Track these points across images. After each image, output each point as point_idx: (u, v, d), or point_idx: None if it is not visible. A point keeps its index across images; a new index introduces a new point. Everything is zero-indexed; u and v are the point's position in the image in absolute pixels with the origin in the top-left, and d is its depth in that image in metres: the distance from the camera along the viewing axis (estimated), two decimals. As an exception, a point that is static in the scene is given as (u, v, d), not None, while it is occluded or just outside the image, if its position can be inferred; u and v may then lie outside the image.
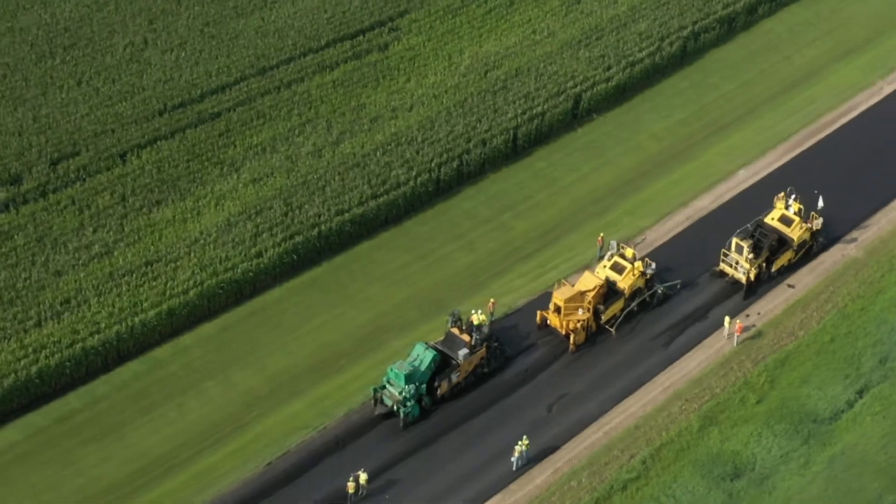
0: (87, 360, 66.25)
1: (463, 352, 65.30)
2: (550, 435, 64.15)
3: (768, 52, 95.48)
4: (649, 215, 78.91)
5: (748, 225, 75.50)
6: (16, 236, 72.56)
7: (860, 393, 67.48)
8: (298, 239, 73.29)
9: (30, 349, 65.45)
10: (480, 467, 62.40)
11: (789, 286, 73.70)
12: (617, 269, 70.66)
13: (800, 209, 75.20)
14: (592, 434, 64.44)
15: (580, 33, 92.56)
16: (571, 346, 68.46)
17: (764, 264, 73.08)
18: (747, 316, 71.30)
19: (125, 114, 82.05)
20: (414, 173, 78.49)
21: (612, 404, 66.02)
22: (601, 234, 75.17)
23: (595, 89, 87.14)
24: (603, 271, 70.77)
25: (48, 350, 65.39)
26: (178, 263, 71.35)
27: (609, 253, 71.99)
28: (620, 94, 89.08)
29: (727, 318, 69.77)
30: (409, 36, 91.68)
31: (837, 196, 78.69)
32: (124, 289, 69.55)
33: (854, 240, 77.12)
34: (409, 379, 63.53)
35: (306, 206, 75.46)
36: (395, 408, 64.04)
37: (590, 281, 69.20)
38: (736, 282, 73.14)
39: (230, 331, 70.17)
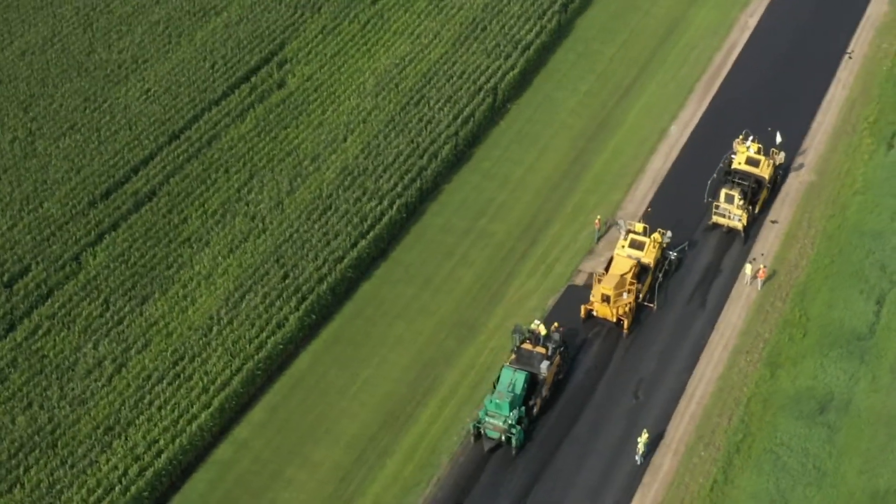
0: (160, 483, 60.55)
1: (544, 364, 64.50)
2: (650, 419, 64.65)
3: (628, 11, 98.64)
4: (615, 189, 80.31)
5: (714, 174, 78.63)
6: (12, 375, 64.92)
7: (878, 303, 71.89)
8: (312, 298, 69.57)
9: (100, 492, 59.01)
10: (607, 471, 62.14)
11: (773, 222, 77.28)
12: (636, 245, 71.66)
13: (759, 148, 78.84)
14: (686, 408, 65.48)
15: (463, 28, 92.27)
16: (626, 331, 69.10)
17: (750, 207, 76.27)
18: (754, 259, 74.25)
19: (54, 215, 74.69)
20: (387, 203, 76.13)
21: (687, 375, 67.25)
22: (598, 217, 75.93)
23: (506, 80, 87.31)
24: (623, 251, 71.57)
25: (121, 486, 59.16)
26: (205, 356, 66.18)
27: (623, 232, 72.90)
28: (523, 79, 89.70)
29: (748, 266, 72.48)
30: (299, 67, 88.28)
31: (766, 129, 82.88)
32: (163, 398, 63.81)
33: (802, 165, 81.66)
34: (511, 405, 62.20)
35: (302, 263, 71.72)
36: (501, 438, 62.57)
37: (624, 263, 69.87)
38: (730, 230, 75.95)
39: (281, 410, 65.94)
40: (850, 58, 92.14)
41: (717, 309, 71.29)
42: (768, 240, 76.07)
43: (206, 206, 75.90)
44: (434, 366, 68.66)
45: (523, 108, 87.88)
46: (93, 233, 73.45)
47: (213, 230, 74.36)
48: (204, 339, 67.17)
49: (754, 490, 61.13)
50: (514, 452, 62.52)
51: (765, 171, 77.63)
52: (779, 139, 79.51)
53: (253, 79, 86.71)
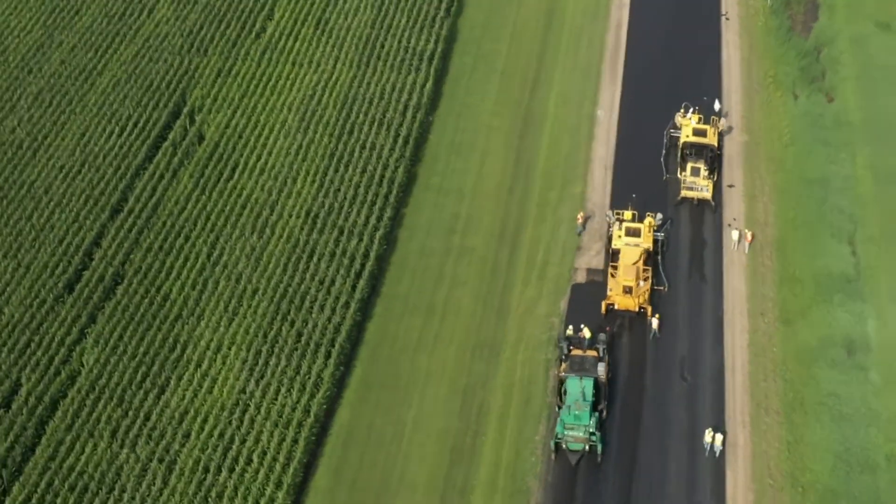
0: (262, 577, 56.89)
1: (601, 367, 64.67)
2: (707, 399, 65.91)
3: (501, 5, 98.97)
4: (571, 181, 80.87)
5: (664, 150, 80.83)
6: (56, 502, 58.91)
7: (850, 243, 75.58)
8: (336, 350, 66.75)
9: None
10: (691, 457, 62.98)
11: (730, 186, 79.94)
12: (632, 233, 72.48)
13: (700, 118, 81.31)
14: (734, 380, 67.15)
15: (360, 49, 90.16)
16: (650, 316, 69.94)
17: (713, 176, 78.69)
18: (729, 225, 76.72)
19: (22, 319, 68.21)
20: (367, 240, 73.80)
21: (720, 347, 68.92)
22: (581, 213, 76.18)
23: (425, 93, 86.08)
24: (621, 241, 72.22)
25: (229, 589, 55.25)
26: (255, 433, 62.31)
27: (613, 223, 73.49)
28: (435, 90, 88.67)
29: (735, 232, 74.77)
30: (211, 116, 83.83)
31: (684, 98, 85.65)
32: (230, 487, 59.66)
33: (731, 127, 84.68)
34: (590, 414, 61.96)
35: (313, 317, 68.56)
36: (585, 448, 62.18)
37: (633, 252, 70.60)
38: (699, 201, 78.02)
39: (345, 471, 63.08)
40: (727, 19, 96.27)
41: (717, 278, 73.31)
42: (733, 204, 78.76)
43: (181, 277, 71.20)
44: (474, 392, 67.41)
45: (444, 118, 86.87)
46: (73, 330, 67.57)
47: (201, 301, 69.93)
48: (244, 415, 63.20)
49: (825, 444, 63.48)
50: (599, 459, 62.31)
51: (713, 139, 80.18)
52: (717, 106, 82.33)
53: (170, 135, 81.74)
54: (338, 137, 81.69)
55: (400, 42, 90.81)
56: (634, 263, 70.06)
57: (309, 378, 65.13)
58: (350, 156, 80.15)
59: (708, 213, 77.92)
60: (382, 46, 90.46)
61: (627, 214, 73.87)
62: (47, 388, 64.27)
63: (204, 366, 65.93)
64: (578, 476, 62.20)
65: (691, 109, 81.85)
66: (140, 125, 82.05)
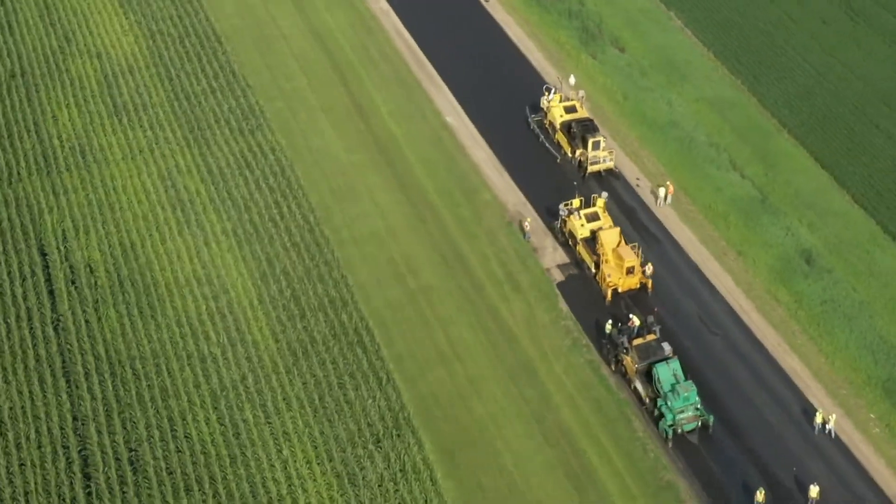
0: None
1: (667, 346, 66.34)
2: (745, 343, 69.99)
3: (264, 42, 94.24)
4: (474, 192, 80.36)
5: (542, 136, 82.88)
6: None
7: (736, 169, 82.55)
8: (416, 429, 62.83)
9: None
10: (775, 399, 66.84)
11: (610, 152, 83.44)
12: (591, 218, 74.08)
13: (561, 97, 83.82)
14: (750, 319, 71.70)
15: (182, 124, 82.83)
16: (651, 288, 72.29)
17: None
18: (637, 185, 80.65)
19: (60, 531, 57.60)
20: (353, 311, 69.41)
21: (718, 295, 72.96)
22: (528, 219, 76.17)
23: (283, 150, 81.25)
24: (585, 229, 73.61)
25: None
26: (408, 540, 57.79)
27: (566, 214, 74.47)
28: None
29: (661, 189, 78.62)
30: (83, 242, 73.43)
31: (513, 84, 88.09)
32: None
33: (572, 92, 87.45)
34: (695, 391, 63.83)
35: (368, 405, 63.75)
36: (698, 425, 63.94)
37: (614, 234, 72.22)
38: (608, 171, 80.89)
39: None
40: (487, 1, 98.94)
41: (666, 235, 77.27)
42: (626, 165, 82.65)
43: (199, 418, 63.01)
44: (544, 415, 66.48)
45: (305, 168, 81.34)
46: (131, 518, 58.07)
47: (241, 433, 62.49)
48: (383, 528, 58.30)
49: (854, 344, 70.46)
50: (710, 430, 64.38)
51: (585, 112, 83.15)
52: (572, 80, 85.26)
53: (58, 274, 70.73)
54: (237, 219, 75.27)
55: (215, 108, 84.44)
56: (621, 244, 71.91)
57: (411, 464, 61.01)
58: (265, 233, 74.36)
59: (613, 179, 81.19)
60: (203, 116, 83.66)
61: (576, 202, 75.30)
62: (158, 591, 55.18)
63: (301, 497, 59.46)
64: (703, 452, 63.94)
65: (552, 90, 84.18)
66: (16, 273, 70.36)
